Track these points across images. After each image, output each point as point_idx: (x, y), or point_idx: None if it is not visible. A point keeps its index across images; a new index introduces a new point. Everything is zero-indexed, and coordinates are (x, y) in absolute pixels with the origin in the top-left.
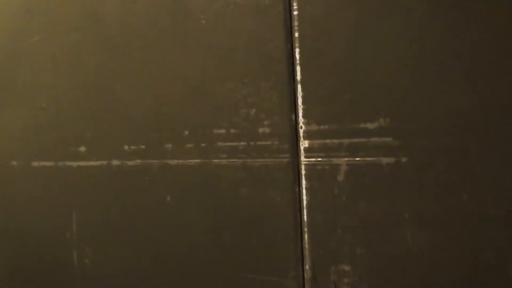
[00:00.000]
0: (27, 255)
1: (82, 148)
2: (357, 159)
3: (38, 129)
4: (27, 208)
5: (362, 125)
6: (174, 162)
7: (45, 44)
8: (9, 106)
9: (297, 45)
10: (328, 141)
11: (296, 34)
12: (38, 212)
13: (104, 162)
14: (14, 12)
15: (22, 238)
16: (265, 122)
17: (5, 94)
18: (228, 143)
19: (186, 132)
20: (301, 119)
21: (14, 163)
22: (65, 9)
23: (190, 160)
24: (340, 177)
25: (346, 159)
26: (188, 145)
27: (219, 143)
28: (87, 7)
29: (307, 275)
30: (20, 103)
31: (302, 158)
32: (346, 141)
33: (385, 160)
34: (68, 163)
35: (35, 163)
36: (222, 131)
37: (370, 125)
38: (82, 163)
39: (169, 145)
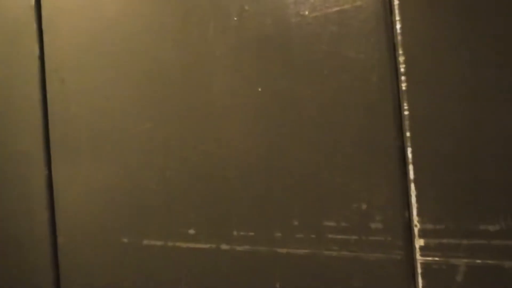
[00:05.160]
0: None
1: (192, 231)
2: (477, 261)
3: (149, 209)
4: (136, 284)
5: (481, 227)
6: (283, 250)
7: (157, 129)
8: (121, 184)
9: (408, 144)
10: (445, 240)
11: (408, 134)
12: None
13: (213, 246)
14: (126, 99)
15: None
16: (377, 218)
17: (118, 173)
18: (339, 236)
19: (296, 222)
20: (415, 217)
21: (125, 239)
22: (174, 96)
23: (300, 250)
24: (459, 278)
25: (465, 260)
26: (297, 235)
27: (330, 235)
28: (195, 94)
29: None
30: (132, 183)
31: (418, 256)
32: (464, 242)
33: (508, 263)
34: (177, 243)
35: (145, 242)
36: (333, 223)
37: (491, 227)
38: (191, 245)
39: (278, 234)
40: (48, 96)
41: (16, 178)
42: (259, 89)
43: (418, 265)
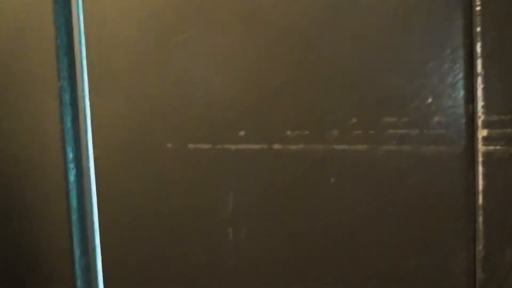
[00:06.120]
0: (181, 231)
1: (242, 133)
2: None
3: (194, 114)
4: (181, 188)
5: None
6: (340, 147)
7: (197, 39)
8: (164, 92)
9: (478, 39)
10: (508, 130)
11: (478, 29)
12: (194, 192)
13: (265, 146)
14: (168, 11)
15: (177, 216)
16: (440, 112)
17: (160, 83)
18: (399, 131)
19: (354, 120)
20: (479, 110)
21: (169, 145)
22: (219, 7)
23: (357, 146)
24: None
25: None
26: (355, 132)
27: (389, 131)
28: (243, 5)
29: (480, 255)
30: (175, 91)
31: (479, 146)
32: None
33: None
34: (226, 146)
35: (191, 146)
36: (393, 119)
37: None
38: (241, 146)
39: (335, 131)
40: (84, 13)
41: (29, 93)
42: None
43: (480, 155)
